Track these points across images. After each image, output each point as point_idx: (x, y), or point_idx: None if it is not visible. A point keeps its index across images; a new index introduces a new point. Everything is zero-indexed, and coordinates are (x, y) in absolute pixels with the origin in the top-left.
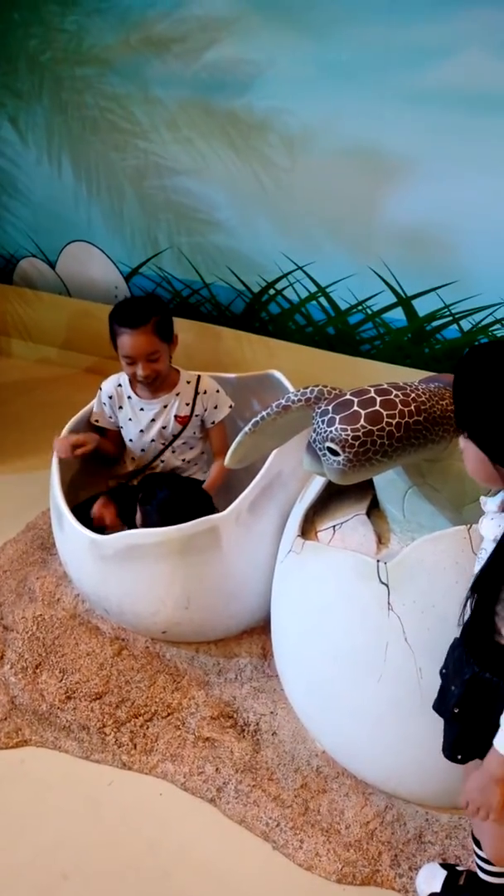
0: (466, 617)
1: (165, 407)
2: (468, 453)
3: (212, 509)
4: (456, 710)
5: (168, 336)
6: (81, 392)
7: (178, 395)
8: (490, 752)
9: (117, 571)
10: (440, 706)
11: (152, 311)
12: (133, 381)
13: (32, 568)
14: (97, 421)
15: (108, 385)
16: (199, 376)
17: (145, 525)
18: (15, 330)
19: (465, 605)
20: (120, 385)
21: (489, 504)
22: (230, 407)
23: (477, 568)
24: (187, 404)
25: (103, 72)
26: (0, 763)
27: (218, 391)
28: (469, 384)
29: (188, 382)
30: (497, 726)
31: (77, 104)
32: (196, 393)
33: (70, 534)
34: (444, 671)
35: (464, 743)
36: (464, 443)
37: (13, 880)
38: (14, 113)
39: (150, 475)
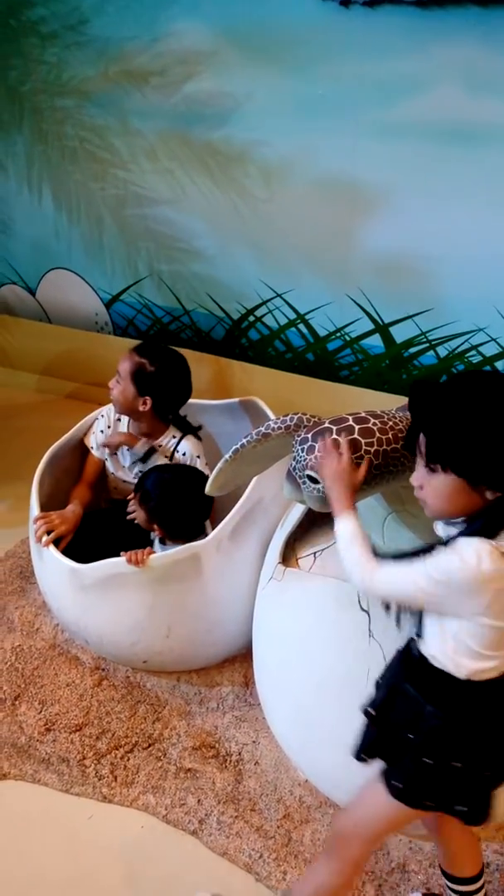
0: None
1: (147, 455)
2: (434, 487)
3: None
4: (371, 712)
5: (142, 388)
6: (61, 418)
7: (160, 446)
8: None
9: (97, 600)
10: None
11: (151, 359)
12: (134, 422)
13: (11, 597)
14: (92, 448)
15: (108, 414)
16: (182, 436)
17: (153, 520)
18: None
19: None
20: (119, 419)
21: (451, 529)
22: (197, 457)
23: None
24: (166, 457)
25: (83, 103)
26: None
27: (198, 457)
28: (436, 416)
29: (174, 437)
30: (405, 743)
31: (57, 134)
32: (174, 452)
33: (49, 562)
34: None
35: (373, 746)
36: (430, 478)
37: None
38: None
39: (142, 475)
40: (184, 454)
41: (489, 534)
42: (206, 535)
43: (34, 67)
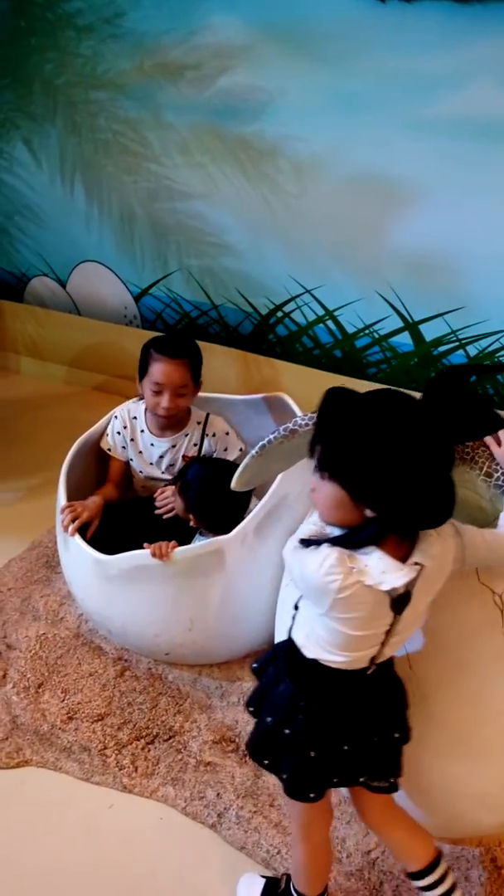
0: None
1: (174, 447)
2: (322, 493)
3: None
4: (250, 708)
5: (197, 378)
6: (89, 410)
7: (187, 435)
8: None
9: (121, 592)
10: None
11: (191, 350)
12: (152, 413)
13: (37, 586)
14: (109, 450)
15: (122, 415)
16: (207, 415)
17: (190, 511)
18: (25, 347)
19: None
20: (135, 418)
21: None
22: (241, 450)
23: None
24: (195, 444)
25: (117, 96)
26: (0, 784)
27: (228, 433)
28: (335, 425)
29: (198, 423)
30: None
31: (90, 127)
32: (204, 434)
33: (75, 553)
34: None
35: (259, 745)
36: (319, 484)
37: None
38: (28, 135)
39: (184, 466)
40: (214, 434)
41: (350, 546)
42: None
43: (70, 60)
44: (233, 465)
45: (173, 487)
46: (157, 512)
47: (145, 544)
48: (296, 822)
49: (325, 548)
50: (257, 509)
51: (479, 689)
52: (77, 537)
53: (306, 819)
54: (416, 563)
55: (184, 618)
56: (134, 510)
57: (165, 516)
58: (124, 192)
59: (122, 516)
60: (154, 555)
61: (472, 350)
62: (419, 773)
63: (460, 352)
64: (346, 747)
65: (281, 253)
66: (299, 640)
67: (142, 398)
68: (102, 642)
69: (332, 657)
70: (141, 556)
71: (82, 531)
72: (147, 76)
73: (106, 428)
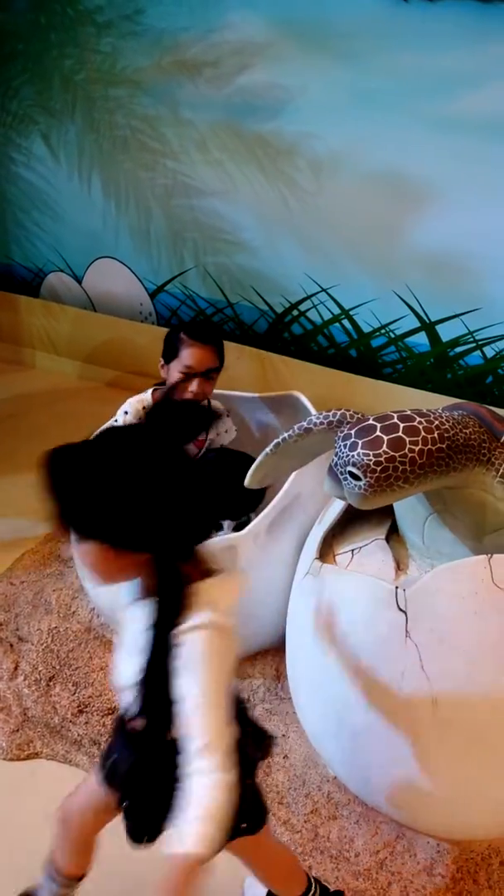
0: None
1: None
2: (88, 558)
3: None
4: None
5: (222, 364)
6: (103, 405)
7: None
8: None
9: (133, 586)
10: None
11: (220, 335)
12: (178, 396)
13: (49, 580)
14: None
15: (133, 409)
16: (208, 401)
17: None
18: (40, 342)
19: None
20: (145, 408)
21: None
22: (235, 431)
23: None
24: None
25: (135, 93)
26: (11, 775)
27: (228, 415)
28: (66, 485)
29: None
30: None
31: (108, 123)
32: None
33: None
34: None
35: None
36: (78, 548)
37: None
38: (47, 130)
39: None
40: (219, 416)
41: (177, 609)
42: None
43: (89, 57)
44: (237, 454)
45: None
46: None
47: None
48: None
49: (193, 629)
50: (270, 507)
51: (494, 690)
52: None
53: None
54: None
55: None
56: None
57: None
58: (141, 189)
59: None
60: None
61: (490, 351)
62: (430, 775)
63: (477, 353)
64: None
65: (297, 251)
66: None
67: (156, 388)
68: (114, 636)
69: None
70: None
71: None
72: (166, 73)
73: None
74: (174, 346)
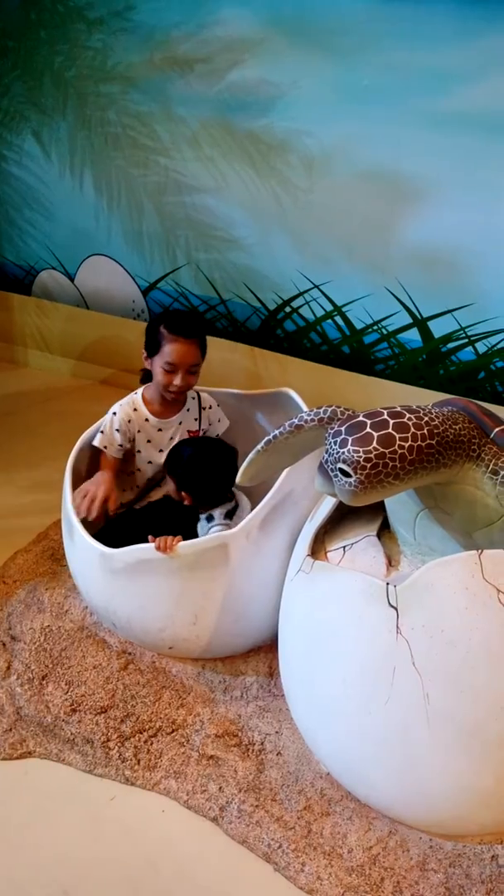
0: None
1: (181, 423)
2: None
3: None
4: None
5: (204, 354)
6: (96, 403)
7: (188, 410)
8: None
9: (126, 585)
10: None
11: (202, 327)
12: (162, 392)
13: (42, 578)
14: (105, 447)
15: (122, 411)
16: (198, 392)
17: (181, 489)
18: (32, 340)
19: None
20: (136, 409)
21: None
22: (227, 421)
23: None
24: (195, 419)
25: (127, 89)
26: (4, 774)
27: (219, 406)
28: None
29: (192, 398)
30: None
31: (100, 120)
32: (201, 408)
33: (80, 546)
34: None
35: None
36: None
37: (14, 895)
38: (38, 127)
39: (170, 450)
40: (210, 407)
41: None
42: (235, 502)
43: (80, 53)
44: (212, 440)
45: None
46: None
47: (150, 538)
48: None
49: None
50: (262, 504)
51: (485, 685)
52: (83, 531)
53: None
54: None
55: (188, 612)
56: (141, 516)
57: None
58: (133, 186)
59: (130, 522)
60: (159, 549)
61: (482, 347)
62: (422, 771)
63: (469, 349)
64: None
65: (289, 248)
66: None
67: (144, 379)
68: (107, 635)
69: None
70: (146, 550)
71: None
72: (157, 69)
73: (101, 426)
74: (156, 340)
